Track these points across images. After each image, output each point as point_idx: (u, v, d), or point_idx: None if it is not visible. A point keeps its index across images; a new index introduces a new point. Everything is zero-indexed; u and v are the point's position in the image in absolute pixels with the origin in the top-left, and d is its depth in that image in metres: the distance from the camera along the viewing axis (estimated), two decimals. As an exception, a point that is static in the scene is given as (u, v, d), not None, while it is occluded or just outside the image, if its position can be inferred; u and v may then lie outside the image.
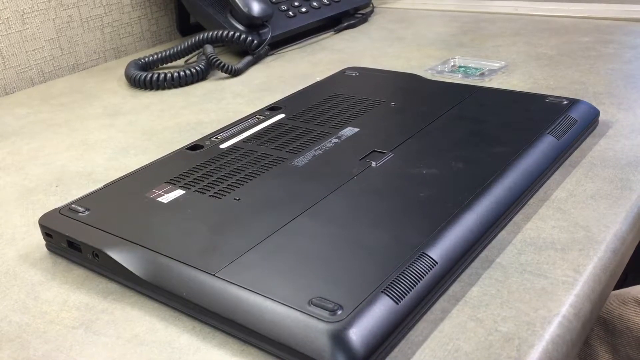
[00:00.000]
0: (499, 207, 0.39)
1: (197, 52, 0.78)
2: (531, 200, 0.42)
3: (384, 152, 0.45)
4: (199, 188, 0.42)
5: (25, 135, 0.62)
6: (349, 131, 0.50)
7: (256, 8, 0.78)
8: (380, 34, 0.86)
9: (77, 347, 0.33)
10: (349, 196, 0.40)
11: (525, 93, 0.54)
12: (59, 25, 0.80)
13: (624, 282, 0.63)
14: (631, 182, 0.43)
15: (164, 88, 0.72)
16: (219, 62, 0.73)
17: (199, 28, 0.89)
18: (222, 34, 0.76)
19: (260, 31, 0.80)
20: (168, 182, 0.44)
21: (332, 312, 0.30)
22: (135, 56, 0.85)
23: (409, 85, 0.59)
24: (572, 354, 0.32)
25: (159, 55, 0.77)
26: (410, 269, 0.33)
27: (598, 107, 0.53)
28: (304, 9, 0.87)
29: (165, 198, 0.42)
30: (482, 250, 0.37)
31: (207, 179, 0.44)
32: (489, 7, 0.95)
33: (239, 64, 0.75)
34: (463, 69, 0.68)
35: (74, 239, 0.38)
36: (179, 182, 0.44)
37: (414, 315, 0.32)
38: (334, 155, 0.46)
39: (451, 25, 0.87)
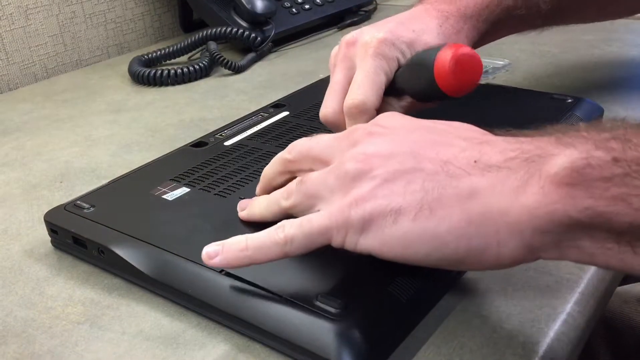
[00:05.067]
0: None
1: (200, 48, 0.78)
2: (535, 198, 0.42)
3: (388, 150, 0.45)
4: (204, 186, 0.42)
5: (29, 131, 0.62)
6: (353, 128, 0.50)
7: (259, 5, 0.78)
8: (384, 31, 0.86)
9: (83, 343, 0.33)
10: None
11: (529, 91, 0.55)
12: (63, 21, 0.80)
13: (625, 280, 0.63)
14: (635, 181, 0.43)
15: (167, 84, 0.72)
16: (222, 58, 0.73)
17: (202, 25, 0.89)
18: (225, 30, 0.76)
19: (264, 28, 0.80)
20: (173, 179, 0.44)
21: (338, 309, 0.30)
22: (139, 52, 0.85)
23: (412, 83, 0.59)
24: (576, 352, 0.32)
25: (163, 51, 0.77)
26: (415, 266, 0.33)
27: (602, 105, 0.53)
28: (307, 6, 0.87)
29: (170, 195, 0.42)
30: (486, 248, 0.38)
31: (212, 176, 0.44)
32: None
33: (242, 61, 0.75)
34: (466, 66, 0.68)
35: (80, 236, 0.39)
36: (184, 179, 0.44)
37: (419, 312, 0.32)
38: (338, 152, 0.46)
39: (454, 23, 0.87)
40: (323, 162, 0.33)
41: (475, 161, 0.28)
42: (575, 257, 0.26)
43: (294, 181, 0.34)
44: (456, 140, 0.30)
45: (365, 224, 0.29)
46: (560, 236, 0.25)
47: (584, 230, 0.25)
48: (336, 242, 0.30)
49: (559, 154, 0.25)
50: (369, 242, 0.29)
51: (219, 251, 0.31)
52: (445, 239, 0.27)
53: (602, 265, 0.25)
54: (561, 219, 0.25)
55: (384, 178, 0.29)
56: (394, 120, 0.33)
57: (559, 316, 0.32)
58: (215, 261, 0.31)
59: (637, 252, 0.24)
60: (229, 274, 0.33)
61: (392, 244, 0.28)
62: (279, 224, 0.31)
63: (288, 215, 0.33)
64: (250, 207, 0.37)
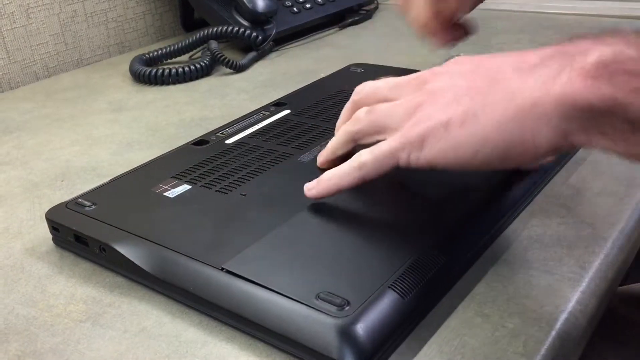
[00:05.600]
0: (505, 203, 0.39)
1: (201, 47, 0.78)
2: (537, 197, 0.42)
3: (389, 148, 0.45)
4: (205, 183, 0.42)
5: (30, 130, 0.62)
6: (354, 127, 0.49)
7: (261, 4, 0.78)
8: (385, 30, 0.86)
9: (85, 341, 0.33)
10: (356, 192, 0.40)
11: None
12: (64, 20, 0.80)
13: (625, 279, 0.63)
14: (637, 180, 0.43)
15: (168, 83, 0.72)
16: (223, 57, 0.73)
17: (203, 24, 0.89)
18: (226, 29, 0.76)
19: (265, 27, 0.80)
20: (174, 177, 0.44)
21: (340, 307, 0.30)
22: (140, 51, 0.85)
23: (414, 82, 0.59)
24: (578, 350, 0.32)
25: (164, 50, 0.77)
26: (417, 264, 0.33)
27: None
28: (308, 5, 0.87)
29: (172, 193, 0.42)
30: (488, 247, 0.38)
31: (213, 174, 0.44)
32: (494, 4, 0.95)
33: (243, 60, 0.75)
34: (468, 66, 0.68)
35: (81, 233, 0.39)
36: (185, 177, 0.44)
37: (421, 311, 0.32)
38: (339, 151, 0.46)
39: (455, 22, 0.87)
40: (389, 101, 0.36)
41: (516, 67, 0.32)
42: (601, 144, 0.28)
43: (362, 109, 0.37)
44: (503, 57, 0.34)
45: (424, 140, 0.33)
46: (585, 123, 0.28)
47: (604, 118, 0.27)
48: (402, 161, 0.34)
49: (594, 50, 0.28)
50: (427, 155, 0.33)
51: (314, 185, 0.38)
52: (488, 137, 0.31)
53: (624, 153, 0.28)
54: (583, 106, 0.27)
55: (442, 103, 0.33)
56: (458, 60, 0.36)
57: (561, 315, 0.32)
58: (312, 193, 0.38)
59: None
60: (230, 272, 0.33)
61: (447, 151, 0.32)
62: (356, 154, 0.36)
63: (355, 140, 0.38)
64: (326, 147, 0.41)
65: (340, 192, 0.37)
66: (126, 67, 0.76)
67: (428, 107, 0.33)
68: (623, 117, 0.26)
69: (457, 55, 0.68)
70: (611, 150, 0.28)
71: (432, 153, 0.33)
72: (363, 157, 0.36)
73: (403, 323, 0.31)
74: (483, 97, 0.32)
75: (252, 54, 0.77)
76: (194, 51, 0.79)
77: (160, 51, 0.77)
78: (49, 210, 0.41)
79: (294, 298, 0.31)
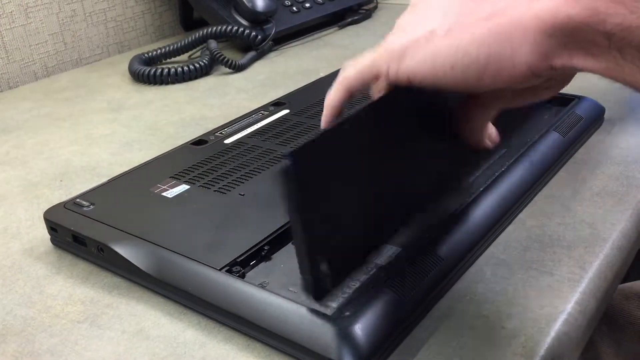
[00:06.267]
0: (505, 203, 0.39)
1: (200, 47, 0.78)
2: (536, 197, 0.42)
3: (389, 148, 0.45)
4: (204, 183, 0.42)
5: (29, 130, 0.62)
6: (353, 127, 0.49)
7: (260, 3, 0.78)
8: (384, 30, 0.86)
9: (83, 341, 0.33)
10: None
11: (530, 90, 0.54)
12: (63, 20, 0.80)
13: (625, 280, 0.63)
14: (637, 180, 0.43)
15: (167, 83, 0.72)
16: (222, 57, 0.73)
17: (203, 23, 0.89)
18: (226, 29, 0.76)
19: (264, 26, 0.80)
20: (173, 177, 0.44)
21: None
22: (139, 51, 0.85)
23: (413, 82, 0.59)
24: (577, 351, 0.32)
25: (163, 50, 0.76)
26: (416, 265, 0.33)
27: (603, 105, 0.52)
28: (307, 5, 0.87)
29: (170, 193, 0.42)
30: (487, 247, 0.37)
31: (212, 174, 0.44)
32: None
33: (242, 60, 0.75)
34: (467, 65, 0.68)
35: (79, 234, 0.38)
36: (184, 177, 0.43)
37: (419, 312, 0.32)
38: (338, 151, 0.46)
39: (455, 22, 0.86)
40: None
41: None
42: (584, 64, 0.28)
43: (347, 63, 0.37)
44: None
45: (406, 50, 0.32)
46: (565, 39, 0.28)
47: (584, 32, 0.27)
48: (381, 72, 0.34)
49: None
50: (407, 65, 0.32)
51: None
52: (468, 50, 0.30)
53: (603, 71, 0.27)
54: (563, 20, 0.27)
55: (430, 18, 0.33)
56: None
57: (560, 316, 0.32)
58: (322, 124, 0.37)
59: (625, 58, 0.26)
60: (230, 272, 0.33)
61: (425, 60, 0.32)
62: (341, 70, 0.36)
63: (348, 90, 0.37)
64: None
65: (337, 111, 0.36)
66: (125, 66, 0.76)
67: (415, 25, 0.33)
68: (602, 30, 0.26)
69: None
70: (596, 71, 0.28)
71: (411, 63, 0.32)
72: (346, 69, 0.36)
73: (402, 324, 0.31)
74: (470, 14, 0.32)
75: (251, 54, 0.77)
76: (193, 50, 0.79)
77: (159, 50, 0.76)
78: (47, 210, 0.41)
79: (293, 298, 0.31)
